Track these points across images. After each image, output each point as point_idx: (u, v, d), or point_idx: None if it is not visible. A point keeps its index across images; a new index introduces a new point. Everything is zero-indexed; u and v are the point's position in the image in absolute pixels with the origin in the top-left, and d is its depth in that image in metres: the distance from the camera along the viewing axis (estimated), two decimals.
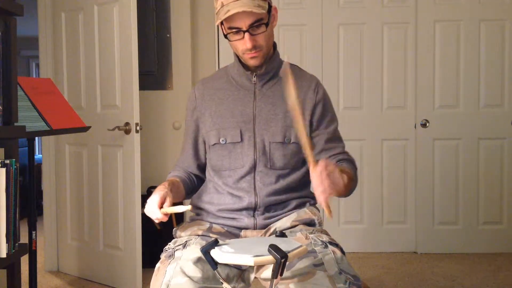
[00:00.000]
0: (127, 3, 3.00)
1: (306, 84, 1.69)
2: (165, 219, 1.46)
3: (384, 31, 3.86)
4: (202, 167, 1.76)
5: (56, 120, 2.32)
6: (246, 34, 1.53)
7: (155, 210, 1.44)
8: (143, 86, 3.40)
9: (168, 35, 3.78)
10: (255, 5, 1.49)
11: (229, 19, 1.51)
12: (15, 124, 1.88)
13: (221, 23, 1.55)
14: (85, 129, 2.55)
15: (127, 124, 3.04)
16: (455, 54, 3.81)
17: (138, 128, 3.03)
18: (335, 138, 1.69)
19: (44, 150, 3.61)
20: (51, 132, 2.32)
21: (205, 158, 1.75)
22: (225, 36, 1.58)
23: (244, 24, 1.52)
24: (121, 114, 3.09)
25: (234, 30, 1.54)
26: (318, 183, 1.30)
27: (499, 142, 3.83)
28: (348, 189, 1.49)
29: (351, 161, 1.64)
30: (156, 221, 1.47)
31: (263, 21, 1.54)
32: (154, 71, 3.80)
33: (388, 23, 3.85)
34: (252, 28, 1.53)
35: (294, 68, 1.74)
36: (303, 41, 3.87)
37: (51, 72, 3.50)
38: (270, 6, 1.58)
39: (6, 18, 1.82)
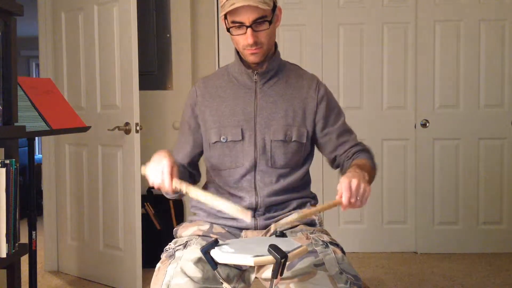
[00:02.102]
0: (127, 3, 3.00)
1: (306, 83, 1.70)
2: (170, 190, 1.39)
3: (384, 31, 3.86)
4: (192, 165, 1.74)
5: (56, 120, 2.32)
6: (249, 30, 1.53)
7: (166, 178, 1.38)
8: (143, 86, 3.40)
9: (168, 35, 3.78)
10: (261, 0, 1.50)
11: (233, 13, 1.52)
12: (15, 124, 1.88)
13: (225, 16, 1.55)
14: (85, 129, 2.55)
15: (127, 124, 3.04)
16: (455, 54, 3.81)
17: (138, 128, 3.03)
18: (346, 131, 1.71)
19: (44, 150, 3.61)
20: (51, 132, 2.32)
21: (199, 157, 1.73)
22: (228, 29, 1.58)
23: (247, 19, 1.52)
24: (121, 114, 3.09)
25: (237, 24, 1.54)
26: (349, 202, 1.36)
27: (499, 142, 3.83)
28: (371, 181, 1.53)
29: (367, 151, 1.66)
30: (158, 189, 1.40)
31: (267, 18, 1.54)
32: (154, 71, 3.79)
33: (388, 23, 3.85)
34: (255, 24, 1.53)
35: (294, 67, 1.75)
36: (303, 41, 3.87)
37: (51, 72, 3.50)
38: (275, 6, 1.58)
39: (6, 18, 1.82)
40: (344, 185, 1.36)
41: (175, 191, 1.44)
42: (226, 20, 1.56)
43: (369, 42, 3.86)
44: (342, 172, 1.67)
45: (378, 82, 3.87)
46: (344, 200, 1.35)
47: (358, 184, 1.37)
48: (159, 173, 1.39)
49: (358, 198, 1.37)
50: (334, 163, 1.72)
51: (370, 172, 1.52)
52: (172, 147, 1.77)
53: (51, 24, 3.50)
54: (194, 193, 1.41)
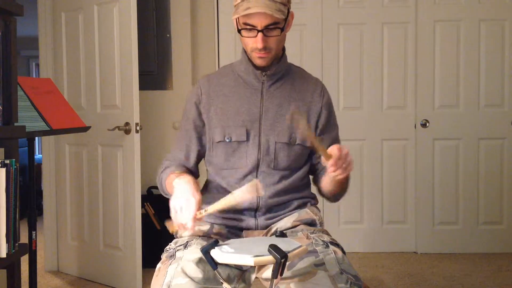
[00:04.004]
0: (127, 3, 3.00)
1: (311, 87, 1.70)
2: (192, 231, 1.39)
3: (384, 31, 3.86)
4: (197, 164, 1.73)
5: (56, 120, 2.32)
6: (260, 34, 1.53)
7: (189, 222, 1.37)
8: (143, 86, 3.40)
9: (168, 35, 3.78)
10: (276, 8, 1.50)
11: (246, 15, 1.52)
12: (15, 124, 1.87)
13: (237, 17, 1.55)
14: (85, 129, 2.55)
15: (127, 124, 3.04)
16: (455, 54, 3.81)
17: (138, 128, 3.03)
18: (336, 144, 1.71)
19: (44, 150, 3.61)
20: (51, 132, 2.32)
21: (202, 156, 1.73)
22: (238, 31, 1.58)
23: (260, 23, 1.52)
24: (121, 114, 3.09)
25: (248, 27, 1.54)
26: (336, 167, 1.41)
27: (499, 142, 3.83)
28: (344, 188, 1.61)
29: None
30: (176, 229, 1.40)
31: (279, 25, 1.55)
32: (154, 71, 3.79)
33: (388, 23, 3.85)
34: (266, 30, 1.53)
35: (299, 70, 1.75)
36: (303, 41, 3.87)
37: (51, 72, 3.50)
38: (288, 12, 1.58)
39: (6, 18, 1.81)
40: (337, 147, 1.41)
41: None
42: (237, 20, 1.56)
43: (369, 42, 3.86)
44: (316, 179, 1.72)
45: (378, 82, 3.87)
46: (335, 154, 1.39)
47: (347, 152, 1.43)
48: (184, 215, 1.38)
49: (344, 165, 1.41)
50: (314, 167, 1.73)
51: (347, 184, 1.62)
52: (173, 147, 1.75)
53: (51, 24, 3.50)
54: (212, 209, 1.40)
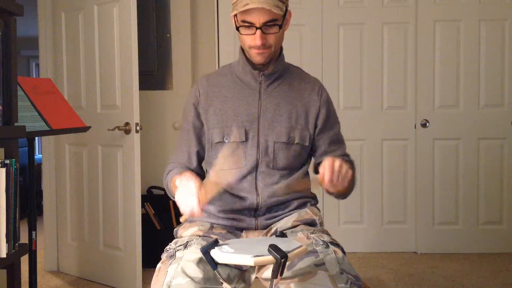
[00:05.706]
0: (127, 3, 3.00)
1: (309, 86, 1.70)
2: (200, 215, 1.39)
3: (384, 31, 3.86)
4: (200, 165, 1.74)
5: (56, 120, 2.32)
6: (258, 31, 1.53)
7: (195, 204, 1.36)
8: (143, 86, 3.40)
9: (168, 35, 3.78)
10: (274, 4, 1.50)
11: (244, 12, 1.52)
12: (15, 124, 1.88)
13: (235, 14, 1.55)
14: (85, 129, 2.55)
15: (127, 124, 3.04)
16: (455, 54, 3.81)
17: (138, 128, 3.03)
18: (338, 140, 1.73)
19: (44, 150, 3.61)
20: (51, 132, 2.32)
21: (204, 156, 1.73)
22: (237, 28, 1.58)
23: (258, 20, 1.52)
24: (121, 114, 3.09)
25: (246, 24, 1.54)
26: (330, 178, 1.38)
27: (499, 142, 3.83)
28: (349, 186, 1.55)
29: (351, 163, 1.65)
30: (185, 215, 1.40)
31: (278, 22, 1.55)
32: (154, 71, 3.79)
33: (388, 23, 3.85)
34: (265, 27, 1.53)
35: (297, 70, 1.75)
36: (303, 41, 3.87)
37: (51, 72, 3.50)
38: (286, 10, 1.58)
39: (6, 18, 1.82)
40: (327, 164, 1.39)
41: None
42: (236, 18, 1.56)
43: (369, 42, 3.86)
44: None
45: (378, 82, 3.87)
46: (326, 178, 1.38)
47: (340, 164, 1.40)
48: (188, 199, 1.37)
49: (339, 178, 1.40)
50: (317, 167, 1.72)
51: (351, 180, 1.56)
52: (172, 147, 1.76)
53: (51, 24, 3.50)
54: (210, 191, 1.43)
